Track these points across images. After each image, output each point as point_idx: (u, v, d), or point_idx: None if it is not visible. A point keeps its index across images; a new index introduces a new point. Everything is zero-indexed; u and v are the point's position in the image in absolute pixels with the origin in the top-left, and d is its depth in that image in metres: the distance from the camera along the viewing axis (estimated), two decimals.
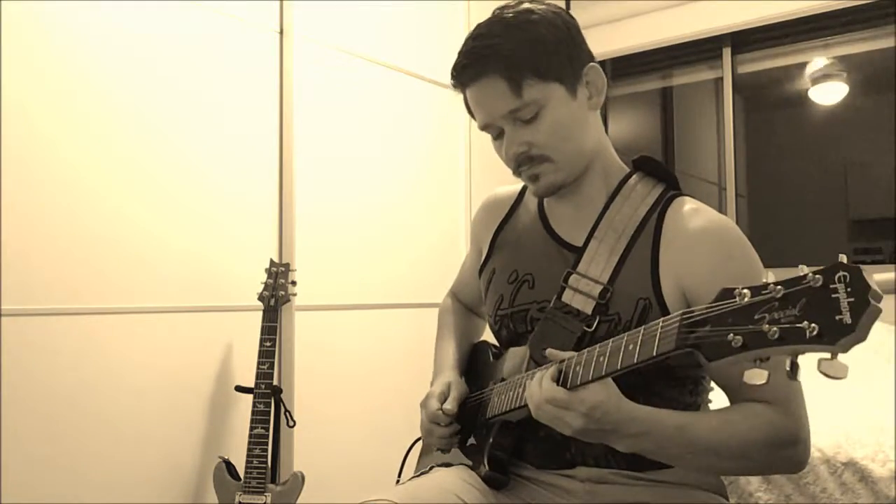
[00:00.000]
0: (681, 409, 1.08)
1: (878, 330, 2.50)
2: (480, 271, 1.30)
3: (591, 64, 1.12)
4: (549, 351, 0.98)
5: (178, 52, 2.09)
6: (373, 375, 2.55)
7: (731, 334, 0.70)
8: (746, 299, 0.70)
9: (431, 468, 1.24)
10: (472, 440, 1.21)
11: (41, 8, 1.79)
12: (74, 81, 1.86)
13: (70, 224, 1.84)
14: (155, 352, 2.00)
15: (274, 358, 2.01)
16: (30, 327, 1.76)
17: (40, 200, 1.79)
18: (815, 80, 3.35)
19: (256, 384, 1.99)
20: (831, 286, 0.64)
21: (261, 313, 2.04)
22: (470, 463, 1.19)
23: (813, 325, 0.64)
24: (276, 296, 2.05)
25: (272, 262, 2.12)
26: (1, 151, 1.72)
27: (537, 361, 1.09)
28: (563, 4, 3.55)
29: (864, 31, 3.06)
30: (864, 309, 0.61)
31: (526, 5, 1.10)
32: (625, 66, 3.67)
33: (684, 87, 3.70)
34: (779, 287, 0.68)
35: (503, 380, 1.17)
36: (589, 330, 1.06)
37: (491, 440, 1.14)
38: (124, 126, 1.96)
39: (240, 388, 2.10)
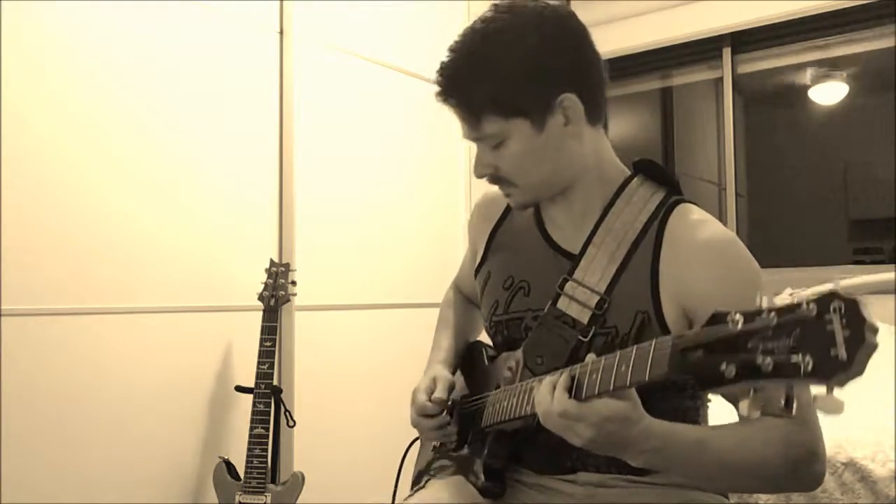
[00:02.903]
0: (682, 412, 1.08)
1: (878, 330, 2.50)
2: (476, 272, 1.28)
3: (567, 94, 1.03)
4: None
5: (178, 52, 2.09)
6: (373, 375, 2.55)
7: (725, 364, 0.68)
8: (740, 326, 0.68)
9: (427, 481, 1.23)
10: (466, 449, 1.20)
11: (41, 8, 1.79)
12: (74, 81, 1.86)
13: (70, 224, 1.84)
14: (155, 352, 2.00)
15: (274, 358, 2.01)
16: (30, 327, 1.76)
17: (40, 200, 1.79)
18: (815, 80, 3.35)
19: (256, 384, 1.99)
20: (826, 316, 0.62)
21: (261, 313, 2.04)
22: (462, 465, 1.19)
23: (807, 358, 0.62)
24: (276, 296, 2.05)
25: (272, 262, 2.12)
26: (1, 151, 1.72)
27: (531, 369, 1.07)
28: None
29: (864, 31, 3.05)
30: (860, 344, 0.59)
31: (503, 21, 1.04)
32: (625, 66, 3.66)
33: (684, 87, 3.70)
34: (772, 314, 0.66)
35: (498, 387, 1.16)
36: (584, 340, 1.04)
37: (486, 451, 1.13)
38: (124, 126, 1.96)
39: (240, 388, 2.10)
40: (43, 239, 1.79)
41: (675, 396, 1.08)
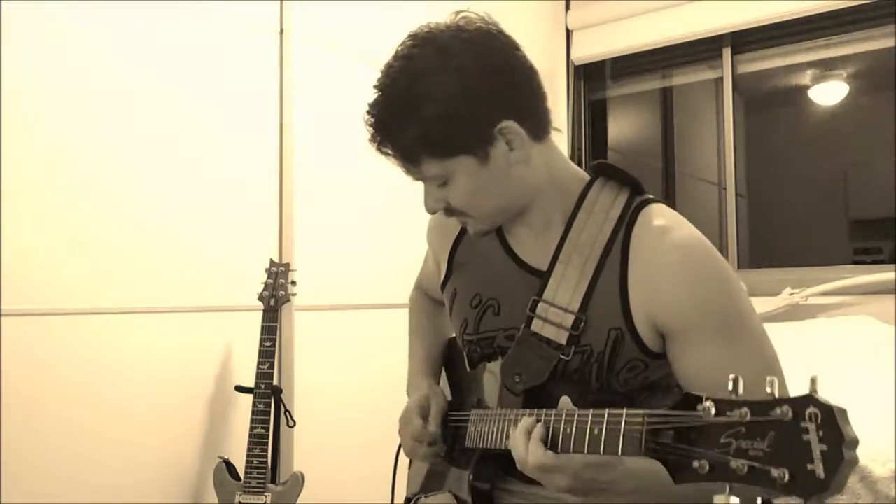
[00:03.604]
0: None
1: (878, 330, 2.50)
2: (442, 287, 1.25)
3: (504, 122, 0.98)
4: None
5: (177, 51, 2.09)
6: (373, 375, 2.55)
7: (697, 461, 0.68)
8: (712, 413, 0.67)
9: (417, 499, 1.23)
10: (453, 461, 1.19)
11: (41, 8, 1.79)
12: (74, 81, 1.86)
13: (70, 224, 1.84)
14: (155, 352, 2.00)
15: (274, 358, 2.01)
16: (30, 327, 1.75)
17: (40, 200, 1.79)
18: (815, 80, 3.35)
19: (256, 384, 1.99)
20: (802, 424, 0.60)
21: (261, 313, 2.04)
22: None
23: (783, 470, 0.61)
24: (276, 296, 2.05)
25: (272, 262, 2.12)
26: (1, 151, 1.72)
27: (510, 389, 1.05)
28: (563, 5, 3.55)
29: (864, 31, 3.06)
30: (839, 464, 0.58)
31: (423, 56, 1.00)
32: (625, 66, 3.67)
33: (684, 87, 3.70)
34: (745, 410, 0.64)
35: (479, 401, 1.15)
36: (565, 359, 1.02)
37: (472, 474, 1.11)
38: (123, 126, 1.96)
39: (240, 388, 2.10)
40: (43, 239, 1.79)
41: (656, 399, 1.06)
